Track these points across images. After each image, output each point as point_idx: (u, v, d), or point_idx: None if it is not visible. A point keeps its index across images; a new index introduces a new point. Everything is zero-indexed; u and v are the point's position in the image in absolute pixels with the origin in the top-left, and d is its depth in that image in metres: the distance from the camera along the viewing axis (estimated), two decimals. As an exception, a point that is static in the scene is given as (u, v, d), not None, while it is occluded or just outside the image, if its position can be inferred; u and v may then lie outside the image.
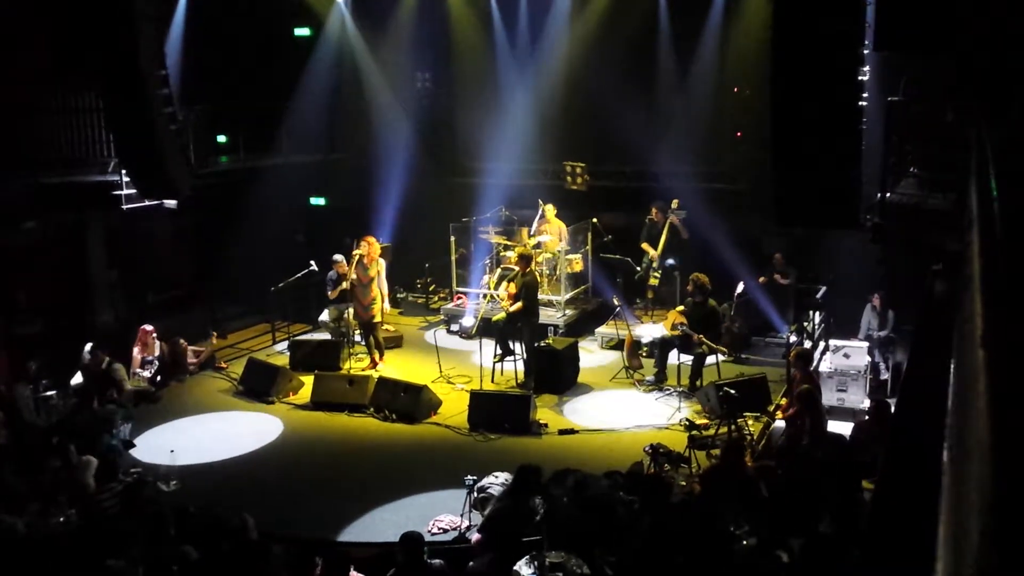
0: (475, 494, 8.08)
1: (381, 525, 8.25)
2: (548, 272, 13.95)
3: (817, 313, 12.95)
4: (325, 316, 13.22)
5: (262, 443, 10.27)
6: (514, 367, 11.95)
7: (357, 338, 12.93)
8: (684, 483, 8.43)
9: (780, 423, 9.83)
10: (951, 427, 1.91)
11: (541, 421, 10.50)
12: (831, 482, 7.52)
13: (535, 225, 14.14)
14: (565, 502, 7.67)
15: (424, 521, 8.06)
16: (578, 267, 14.23)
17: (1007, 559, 1.10)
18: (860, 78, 8.67)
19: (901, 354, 11.08)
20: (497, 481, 8.25)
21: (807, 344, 11.45)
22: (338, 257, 12.72)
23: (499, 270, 13.91)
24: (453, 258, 14.75)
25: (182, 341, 12.36)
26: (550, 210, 14.09)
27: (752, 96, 14.14)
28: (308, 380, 11.69)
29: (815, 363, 10.94)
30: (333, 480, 9.28)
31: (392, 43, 16.43)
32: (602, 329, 13.61)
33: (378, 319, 12.52)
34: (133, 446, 9.95)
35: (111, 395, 10.86)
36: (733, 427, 9.48)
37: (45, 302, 12.12)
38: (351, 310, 12.53)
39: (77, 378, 11.29)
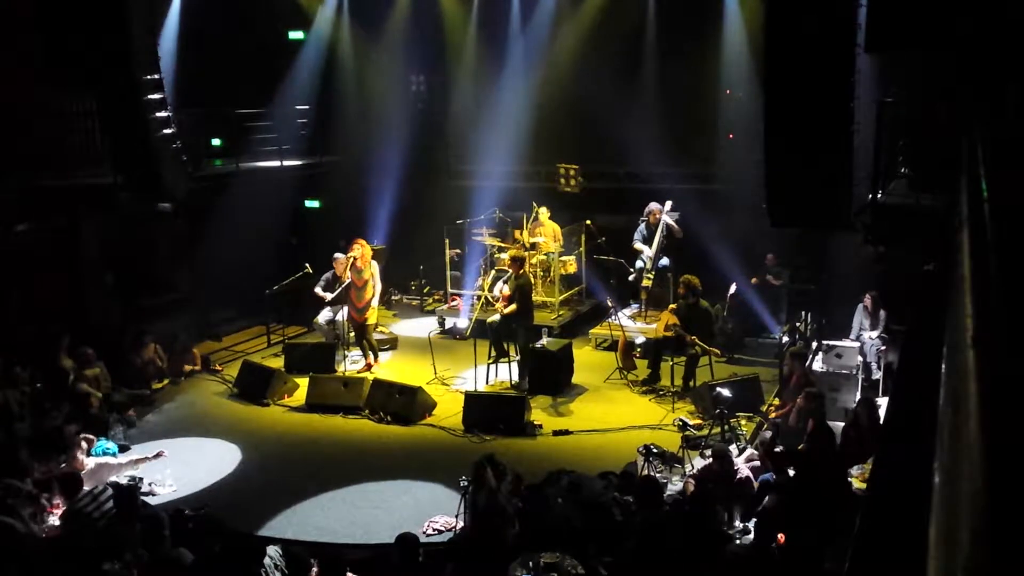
0: (469, 495, 8.09)
1: (376, 526, 8.26)
2: (542, 274, 13.99)
3: (809, 313, 12.98)
4: (320, 318, 13.21)
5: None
6: (508, 369, 11.97)
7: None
8: (678, 483, 8.46)
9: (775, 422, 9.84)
10: (942, 427, 1.93)
11: (535, 422, 10.53)
12: (827, 482, 7.54)
13: (529, 227, 14.17)
14: (560, 502, 7.70)
15: (419, 522, 8.08)
16: (572, 269, 14.29)
17: (998, 559, 1.11)
18: (852, 79, 8.70)
19: (892, 354, 11.11)
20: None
21: (799, 344, 11.48)
22: (339, 256, 12.70)
23: (493, 272, 13.93)
24: (447, 260, 14.77)
25: (153, 345, 12.28)
26: (543, 212, 14.13)
27: (744, 98, 14.18)
28: (303, 382, 11.70)
29: (807, 363, 10.98)
30: (328, 482, 9.27)
31: (386, 46, 16.44)
32: (596, 330, 13.66)
33: (372, 321, 12.52)
34: (128, 450, 9.93)
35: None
36: (726, 427, 9.52)
37: (38, 305, 12.07)
38: (345, 312, 12.52)
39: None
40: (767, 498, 7.42)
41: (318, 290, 12.80)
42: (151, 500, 8.62)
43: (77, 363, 11.05)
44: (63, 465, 8.57)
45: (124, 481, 8.83)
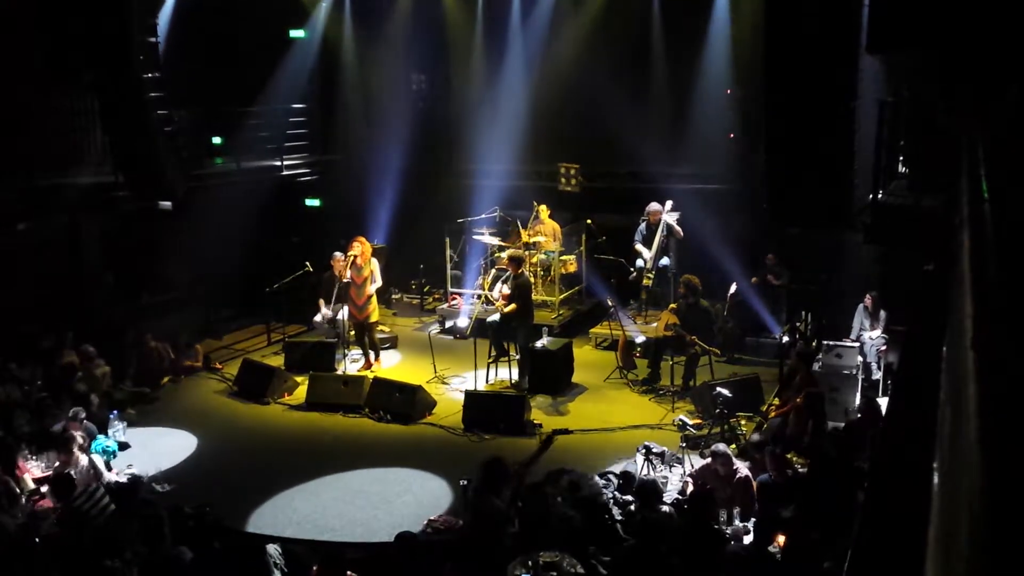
0: (469, 495, 8.09)
1: (376, 525, 8.27)
2: (542, 273, 13.99)
3: (809, 313, 12.97)
4: (320, 317, 13.22)
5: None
6: (508, 368, 11.97)
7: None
8: (677, 483, 8.46)
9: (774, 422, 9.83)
10: (942, 428, 1.92)
11: (535, 421, 10.53)
12: (829, 481, 7.55)
13: (530, 226, 14.18)
14: (560, 501, 7.71)
15: (418, 521, 8.08)
16: (572, 268, 14.29)
17: (997, 562, 1.11)
18: (853, 79, 8.70)
19: (893, 354, 11.10)
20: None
21: (800, 344, 11.47)
22: (338, 255, 12.70)
23: (493, 271, 13.94)
24: (448, 259, 14.77)
25: (154, 344, 12.30)
26: (544, 211, 14.13)
27: (745, 97, 14.16)
28: (303, 381, 11.70)
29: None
30: (328, 480, 9.28)
31: (387, 45, 16.43)
32: (596, 330, 13.65)
33: (374, 319, 12.52)
34: (128, 448, 9.95)
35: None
36: (726, 427, 9.52)
37: (39, 304, 12.07)
38: (346, 311, 12.52)
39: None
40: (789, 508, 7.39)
41: (322, 303, 12.81)
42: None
43: (82, 361, 11.07)
44: (56, 464, 8.58)
45: (124, 479, 8.85)
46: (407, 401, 10.84)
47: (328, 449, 10.12)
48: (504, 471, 7.34)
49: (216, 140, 14.83)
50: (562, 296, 13.99)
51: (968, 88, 5.90)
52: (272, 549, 6.60)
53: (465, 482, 8.08)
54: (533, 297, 12.40)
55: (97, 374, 11.01)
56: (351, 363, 12.61)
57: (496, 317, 11.99)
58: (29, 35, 11.90)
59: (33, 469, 8.78)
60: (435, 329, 14.23)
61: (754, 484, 7.93)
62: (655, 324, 12.41)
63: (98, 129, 12.28)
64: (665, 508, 7.59)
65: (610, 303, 13.18)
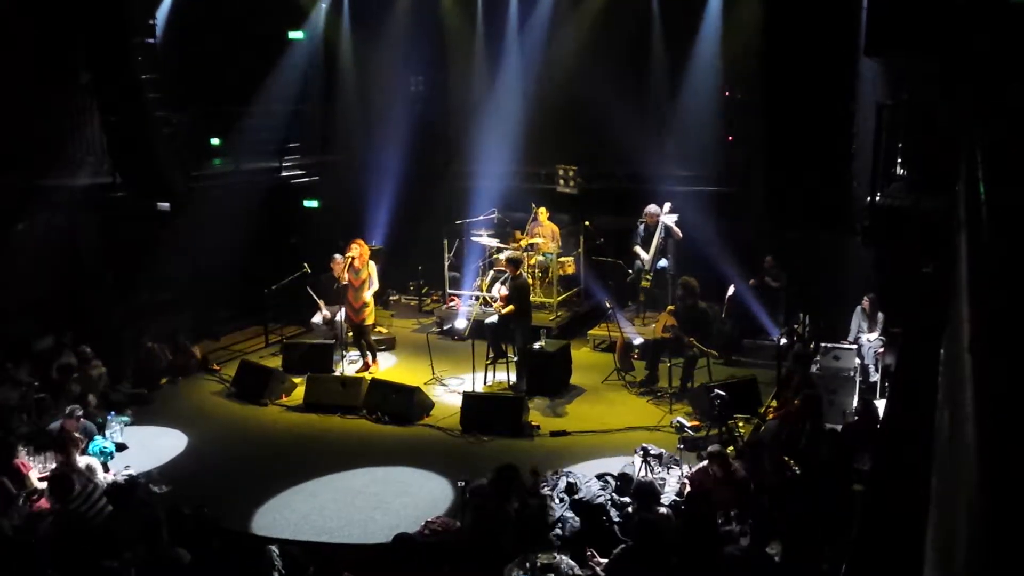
0: (467, 496, 8.08)
1: (373, 527, 8.26)
2: (541, 275, 13.98)
3: (807, 315, 12.96)
4: (317, 318, 13.22)
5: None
6: (506, 369, 11.96)
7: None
8: (675, 484, 8.46)
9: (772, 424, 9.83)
10: (940, 430, 1.93)
11: (533, 423, 10.52)
12: (828, 482, 7.55)
13: (528, 228, 14.18)
14: (558, 503, 7.71)
15: (416, 522, 8.07)
16: (570, 270, 14.28)
17: (995, 561, 1.11)
18: (853, 81, 8.71)
19: (890, 356, 11.10)
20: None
21: (798, 346, 11.47)
22: (337, 256, 12.70)
23: (491, 272, 13.94)
24: (446, 261, 14.76)
25: (152, 344, 12.31)
26: (543, 213, 14.13)
27: (745, 99, 14.16)
28: (301, 382, 11.70)
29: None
30: (325, 482, 9.27)
31: (386, 46, 16.40)
32: (594, 331, 13.65)
33: (370, 321, 12.51)
34: (125, 448, 9.93)
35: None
36: (724, 429, 9.51)
37: (37, 304, 12.05)
38: (343, 312, 12.52)
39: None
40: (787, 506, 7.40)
41: (322, 304, 12.86)
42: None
43: (80, 362, 11.06)
44: (54, 465, 8.56)
45: (122, 480, 8.83)
46: (405, 402, 10.84)
47: (326, 450, 10.11)
48: (517, 479, 7.36)
49: (215, 141, 14.82)
50: (560, 298, 13.99)
51: (968, 88, 5.90)
52: (270, 550, 6.59)
53: (463, 483, 8.06)
54: (531, 299, 12.40)
55: (93, 375, 11.01)
56: (349, 364, 12.61)
57: (494, 319, 11.99)
58: (28, 35, 11.87)
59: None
60: (433, 330, 14.23)
61: (751, 486, 7.93)
62: (653, 326, 12.40)
63: (97, 129, 12.25)
64: (663, 509, 7.58)
65: (608, 305, 13.17)
